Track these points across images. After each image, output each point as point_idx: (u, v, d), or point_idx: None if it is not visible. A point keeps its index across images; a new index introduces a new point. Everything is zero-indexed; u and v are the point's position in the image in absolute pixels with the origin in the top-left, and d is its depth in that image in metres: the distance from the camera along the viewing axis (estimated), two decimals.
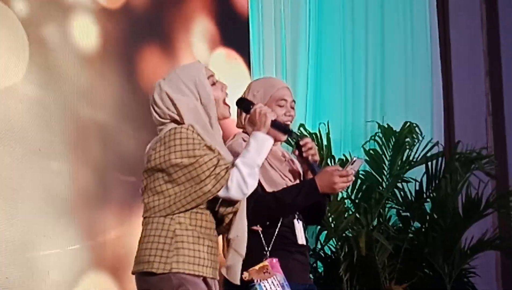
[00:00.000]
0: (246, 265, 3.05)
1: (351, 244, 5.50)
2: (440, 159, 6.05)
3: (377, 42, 6.58)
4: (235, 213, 2.90)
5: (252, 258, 3.06)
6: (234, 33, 5.59)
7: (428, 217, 5.99)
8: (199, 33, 5.32)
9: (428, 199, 6.01)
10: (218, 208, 2.89)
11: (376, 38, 6.57)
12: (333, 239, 5.61)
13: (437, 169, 6.02)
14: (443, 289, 5.83)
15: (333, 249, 5.69)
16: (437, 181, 5.97)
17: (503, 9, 7.75)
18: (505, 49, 7.65)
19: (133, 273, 2.91)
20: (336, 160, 5.78)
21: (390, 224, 5.90)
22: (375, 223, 5.74)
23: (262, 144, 2.94)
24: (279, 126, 3.22)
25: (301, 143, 3.29)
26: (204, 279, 2.87)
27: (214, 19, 5.46)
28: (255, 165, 2.89)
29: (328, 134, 5.80)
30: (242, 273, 3.02)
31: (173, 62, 5.08)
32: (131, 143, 4.74)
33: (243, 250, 2.97)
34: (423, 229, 5.97)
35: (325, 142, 5.74)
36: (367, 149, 5.99)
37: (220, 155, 2.87)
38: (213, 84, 2.96)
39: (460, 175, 5.92)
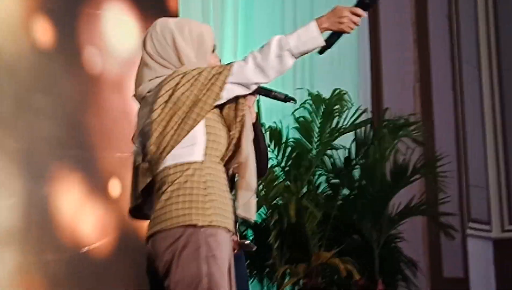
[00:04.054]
0: None
1: (281, 212, 5.52)
2: (368, 126, 6.11)
3: (306, 11, 6.57)
4: (242, 127, 2.66)
5: None
6: None
7: (357, 184, 6.05)
8: None
9: (357, 166, 6.07)
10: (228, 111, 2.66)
11: (305, 7, 6.57)
12: (263, 206, 5.62)
13: (365, 136, 6.08)
14: (371, 255, 5.92)
15: (264, 217, 5.71)
16: (366, 148, 6.03)
17: None
18: (432, 18, 7.74)
19: (154, 233, 2.63)
20: (266, 127, 5.77)
21: (319, 191, 5.94)
22: (304, 190, 5.77)
23: (311, 38, 2.61)
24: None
25: None
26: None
27: None
28: (286, 47, 2.59)
29: (257, 101, 5.78)
30: None
31: None
32: None
33: (254, 182, 2.74)
34: (352, 196, 6.03)
35: (255, 110, 5.72)
36: (297, 116, 6.00)
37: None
38: (213, 51, 2.81)
39: (388, 141, 5.99)
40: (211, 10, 5.74)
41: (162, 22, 2.78)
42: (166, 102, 2.64)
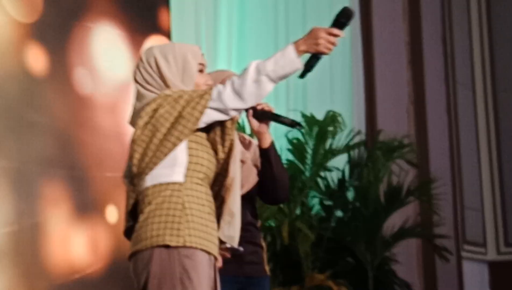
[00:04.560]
0: None
1: (274, 234, 5.50)
2: (362, 147, 6.10)
3: (298, 31, 6.57)
4: (230, 151, 2.67)
5: None
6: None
7: (350, 206, 6.02)
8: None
9: (350, 188, 6.05)
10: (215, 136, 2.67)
11: (297, 27, 6.57)
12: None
13: (359, 157, 6.06)
14: (365, 277, 5.88)
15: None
16: (359, 170, 6.01)
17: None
18: (426, 40, 7.75)
19: (132, 254, 2.65)
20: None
21: (313, 213, 5.91)
22: (298, 212, 5.75)
23: (289, 61, 2.60)
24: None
25: (258, 107, 3.05)
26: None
27: None
28: (264, 72, 2.58)
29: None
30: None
31: None
32: None
33: (236, 208, 2.74)
34: (345, 218, 6.00)
35: (248, 132, 5.71)
36: (290, 138, 5.98)
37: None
38: (201, 71, 2.80)
39: (382, 163, 5.98)
40: (203, 26, 5.74)
41: (147, 51, 2.82)
42: (147, 123, 2.65)
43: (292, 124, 3.04)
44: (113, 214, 4.85)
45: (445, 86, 7.98)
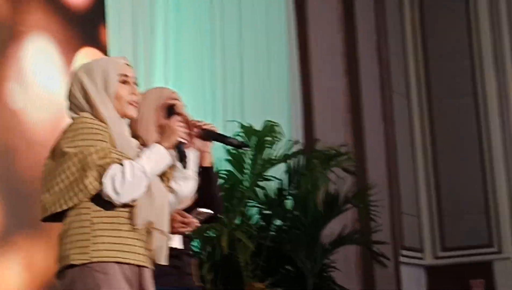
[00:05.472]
0: None
1: (214, 244, 5.51)
2: (300, 157, 6.16)
3: (234, 43, 6.63)
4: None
5: None
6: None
7: (289, 215, 6.08)
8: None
9: (289, 197, 6.11)
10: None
11: (234, 39, 6.62)
12: (196, 239, 5.60)
13: (297, 166, 6.13)
14: (305, 285, 5.94)
15: (196, 250, 5.69)
16: (297, 179, 6.07)
17: (360, 9, 7.98)
18: (361, 49, 7.88)
19: (57, 275, 2.76)
20: None
21: (252, 222, 5.95)
22: (237, 222, 5.78)
23: (160, 156, 2.79)
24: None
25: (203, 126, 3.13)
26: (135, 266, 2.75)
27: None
28: (142, 170, 2.72)
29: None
30: None
31: None
32: None
33: (165, 228, 2.82)
34: (284, 227, 6.06)
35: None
36: (228, 148, 6.01)
37: (108, 148, 2.72)
38: (124, 82, 2.86)
39: (319, 172, 6.04)
40: (141, 39, 5.74)
41: (74, 75, 2.89)
42: (50, 159, 2.79)
43: (239, 145, 3.15)
44: (51, 230, 4.77)
45: (381, 94, 8.12)
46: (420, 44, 9.11)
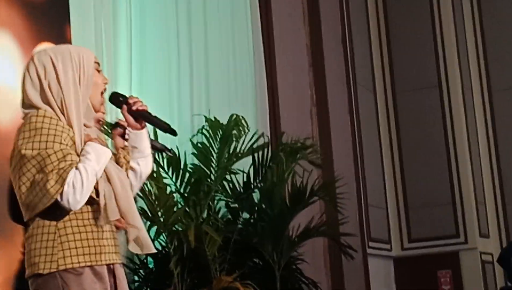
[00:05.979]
0: None
1: (181, 238, 5.50)
2: (266, 150, 6.17)
3: (200, 37, 6.62)
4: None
5: None
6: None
7: (256, 208, 6.09)
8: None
9: (255, 190, 6.11)
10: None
11: (199, 33, 6.62)
12: (163, 233, 5.59)
13: (263, 160, 6.13)
14: (272, 277, 5.95)
15: (163, 244, 5.68)
16: (263, 172, 6.08)
17: (324, 3, 8.01)
18: (326, 42, 7.91)
19: (27, 279, 2.73)
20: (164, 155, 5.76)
21: (219, 216, 5.95)
22: (204, 215, 5.78)
23: (103, 153, 2.74)
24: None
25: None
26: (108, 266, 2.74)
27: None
28: (95, 173, 2.68)
29: (155, 128, 5.76)
30: None
31: None
32: None
33: (137, 222, 2.79)
34: (251, 220, 6.06)
35: (152, 136, 5.70)
36: (195, 142, 6.01)
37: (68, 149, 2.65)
38: (97, 70, 2.84)
39: (285, 165, 6.06)
40: (104, 35, 5.71)
41: (40, 54, 2.79)
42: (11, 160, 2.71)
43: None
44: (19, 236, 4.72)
45: (346, 87, 8.17)
46: (384, 37, 9.18)
